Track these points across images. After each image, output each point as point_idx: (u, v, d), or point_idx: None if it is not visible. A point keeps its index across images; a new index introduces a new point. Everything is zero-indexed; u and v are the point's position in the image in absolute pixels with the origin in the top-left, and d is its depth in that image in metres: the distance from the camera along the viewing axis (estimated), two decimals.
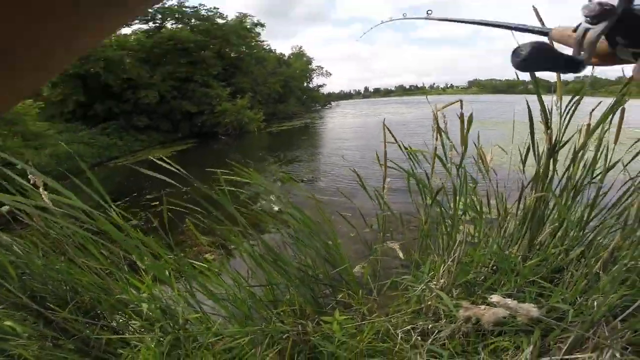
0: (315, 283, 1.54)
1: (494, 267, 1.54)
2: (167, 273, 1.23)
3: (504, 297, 1.01)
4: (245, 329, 1.21)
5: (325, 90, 48.28)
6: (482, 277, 1.49)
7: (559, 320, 1.13)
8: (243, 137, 17.71)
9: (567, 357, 1.05)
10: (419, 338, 1.25)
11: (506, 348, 1.17)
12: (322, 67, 44.30)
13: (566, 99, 1.42)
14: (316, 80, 42.93)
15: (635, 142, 1.56)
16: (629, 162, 1.57)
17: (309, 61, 39.07)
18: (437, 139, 1.74)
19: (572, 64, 0.30)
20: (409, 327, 1.30)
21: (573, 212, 1.59)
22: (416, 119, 18.70)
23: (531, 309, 1.00)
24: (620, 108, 1.40)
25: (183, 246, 2.57)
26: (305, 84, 37.74)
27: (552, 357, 1.06)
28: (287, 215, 1.59)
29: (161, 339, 1.14)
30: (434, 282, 1.46)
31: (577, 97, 1.41)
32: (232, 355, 1.14)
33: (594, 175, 1.56)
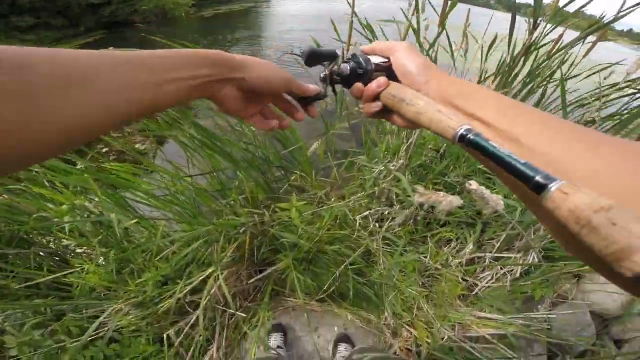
0: (266, 165, 1.37)
1: (443, 152, 1.57)
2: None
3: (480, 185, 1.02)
4: (195, 229, 1.04)
5: None
6: (433, 162, 1.52)
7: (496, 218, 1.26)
8: (168, 24, 13.27)
9: (498, 255, 1.20)
10: (377, 225, 1.28)
11: (450, 239, 1.29)
12: None
13: None
14: None
15: None
16: None
17: None
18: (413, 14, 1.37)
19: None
20: (366, 212, 1.32)
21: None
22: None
23: (499, 201, 1.04)
24: None
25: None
26: None
27: (487, 253, 1.21)
28: None
29: (105, 256, 0.92)
30: (393, 164, 1.43)
31: None
32: (188, 259, 1.01)
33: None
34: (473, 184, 1.01)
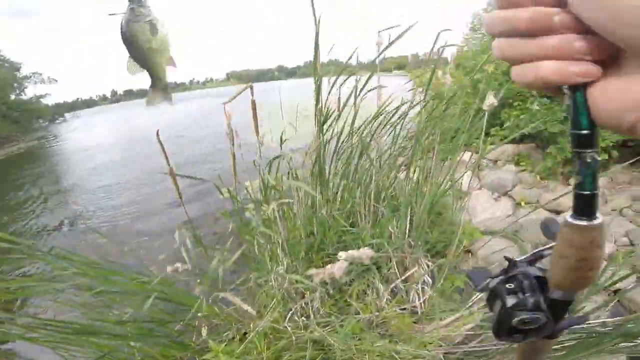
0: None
1: (314, 232, 1.90)
2: None
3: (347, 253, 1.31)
4: None
5: (51, 101, 39.17)
6: (309, 244, 1.81)
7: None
8: None
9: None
10: (304, 319, 1.42)
11: (364, 290, 1.55)
12: (41, 74, 34.63)
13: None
14: (33, 90, 33.95)
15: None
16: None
17: (16, 67, 29.99)
18: (232, 142, 1.74)
19: None
20: (288, 313, 1.44)
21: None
22: (188, 116, 17.18)
23: (368, 252, 1.35)
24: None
25: None
26: (13, 97, 28.81)
27: (394, 283, 1.52)
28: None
29: None
30: (280, 268, 1.63)
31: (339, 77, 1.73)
32: None
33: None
34: (342, 255, 1.30)
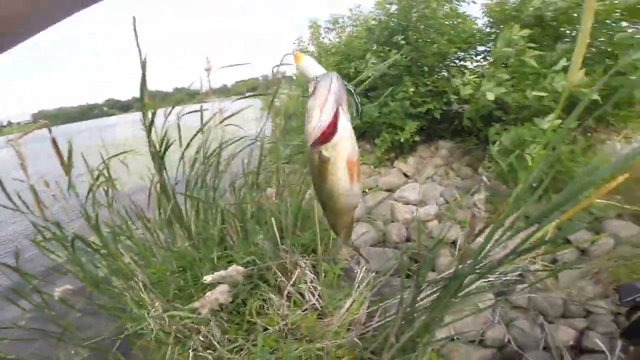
0: None
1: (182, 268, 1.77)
2: None
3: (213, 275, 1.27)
4: None
5: None
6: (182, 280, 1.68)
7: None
8: None
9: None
10: (211, 351, 1.31)
11: (261, 305, 1.52)
12: None
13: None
14: None
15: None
16: None
17: None
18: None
19: None
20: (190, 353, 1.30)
21: None
22: None
23: (237, 269, 1.33)
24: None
25: None
26: None
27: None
28: None
29: None
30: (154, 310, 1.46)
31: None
32: None
33: None
34: (207, 278, 1.24)
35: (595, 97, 2.06)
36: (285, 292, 1.77)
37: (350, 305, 1.90)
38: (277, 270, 1.95)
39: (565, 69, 2.10)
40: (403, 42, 3.34)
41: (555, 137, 2.01)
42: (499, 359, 1.76)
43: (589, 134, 2.85)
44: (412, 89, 3.08)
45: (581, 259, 2.03)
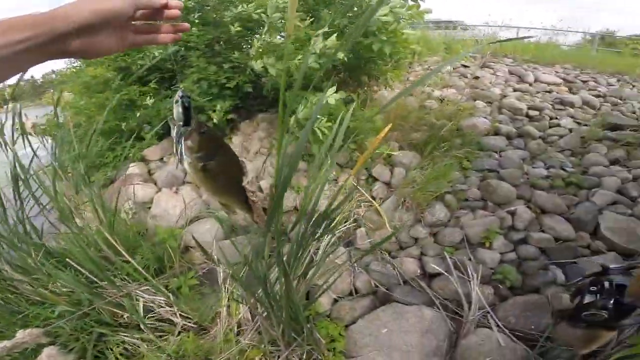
0: None
1: None
2: None
3: None
4: None
5: None
6: None
7: None
8: None
9: None
10: None
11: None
12: None
13: None
14: None
15: None
16: None
17: None
18: None
19: None
20: None
21: None
22: None
23: (32, 331, 0.97)
24: None
25: None
26: None
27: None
28: None
29: None
30: None
31: None
32: None
33: None
34: None
35: (341, 56, 2.34)
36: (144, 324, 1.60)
37: (228, 307, 1.82)
38: (114, 310, 1.68)
39: (325, 35, 2.30)
40: (198, 21, 3.04)
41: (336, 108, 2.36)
42: (378, 304, 1.96)
43: (366, 89, 3.50)
44: (212, 68, 2.87)
45: (390, 192, 2.56)
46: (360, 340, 1.71)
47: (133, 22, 0.48)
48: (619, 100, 4.12)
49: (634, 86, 4.79)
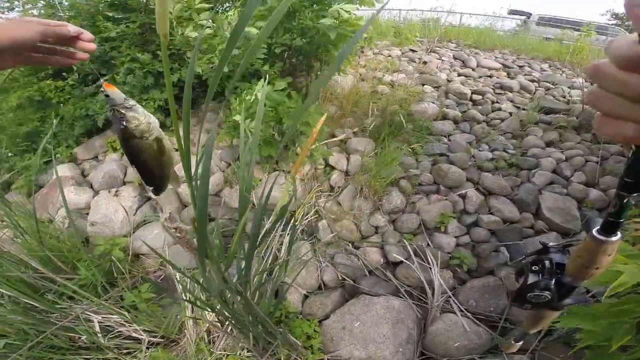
0: None
1: None
2: None
3: None
4: None
5: None
6: None
7: None
8: None
9: None
10: None
11: None
12: None
13: None
14: None
15: None
16: None
17: None
18: None
19: None
20: None
21: None
22: None
23: None
24: None
25: None
26: None
27: None
28: None
29: None
30: None
31: None
32: None
33: None
34: None
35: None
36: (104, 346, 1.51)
37: (193, 314, 1.71)
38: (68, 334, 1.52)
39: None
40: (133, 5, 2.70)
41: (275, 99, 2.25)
42: (347, 296, 1.98)
43: (319, 73, 3.41)
44: (146, 57, 2.59)
45: (347, 180, 2.54)
46: (336, 336, 1.72)
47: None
48: (551, 85, 4.47)
49: (563, 72, 5.23)
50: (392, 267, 2.11)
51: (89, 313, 1.60)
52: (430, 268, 1.87)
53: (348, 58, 3.34)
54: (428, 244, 2.14)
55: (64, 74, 2.89)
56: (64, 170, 2.79)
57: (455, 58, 5.33)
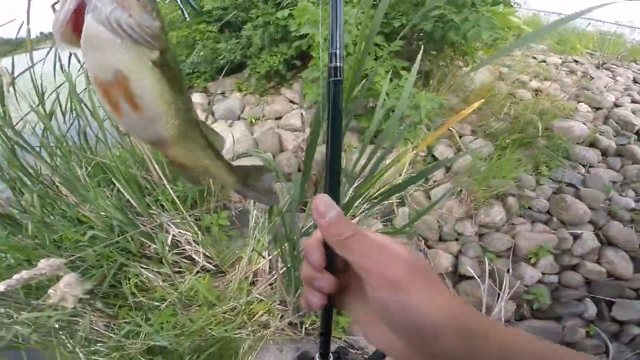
0: None
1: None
2: None
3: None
4: None
5: None
6: None
7: None
8: None
9: None
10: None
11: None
12: None
13: None
14: None
15: None
16: None
17: None
18: None
19: None
20: None
21: None
22: None
23: (52, 262, 0.95)
24: None
25: None
26: None
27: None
28: None
29: None
30: None
31: None
32: None
33: None
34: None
35: None
36: (166, 259, 1.53)
37: (250, 254, 1.77)
38: (144, 240, 1.64)
39: None
40: None
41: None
42: None
43: (448, 62, 3.09)
44: (280, 13, 2.70)
45: (446, 177, 2.29)
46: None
47: None
48: None
49: None
50: (458, 278, 1.95)
51: (170, 224, 1.71)
52: (499, 294, 1.61)
53: (488, 52, 2.93)
54: (509, 270, 1.91)
55: (208, 20, 3.25)
56: (196, 97, 3.22)
57: (635, 82, 4.23)
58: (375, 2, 2.04)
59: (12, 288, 0.76)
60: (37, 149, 1.55)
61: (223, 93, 3.44)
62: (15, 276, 0.76)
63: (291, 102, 2.98)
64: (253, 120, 2.91)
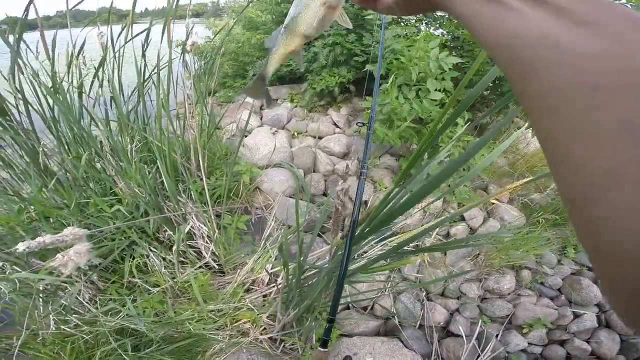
0: None
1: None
2: None
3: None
4: None
5: None
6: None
7: None
8: None
9: None
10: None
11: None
12: None
13: None
14: None
15: None
16: None
17: None
18: None
19: None
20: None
21: None
22: None
23: (76, 231, 0.99)
24: None
25: None
26: None
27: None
28: None
29: None
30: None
31: None
32: None
33: None
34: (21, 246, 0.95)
35: None
36: (176, 248, 1.56)
37: (254, 263, 1.79)
38: (162, 224, 1.70)
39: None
40: None
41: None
42: (382, 332, 1.86)
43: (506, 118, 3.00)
44: (351, 37, 2.80)
45: (470, 237, 2.23)
46: (344, 353, 1.64)
47: None
48: None
49: None
50: (445, 334, 1.92)
51: (192, 215, 1.76)
52: (479, 355, 1.68)
53: None
54: (497, 336, 1.90)
55: None
56: (250, 99, 3.38)
57: None
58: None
59: (31, 250, 0.81)
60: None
61: (277, 99, 3.60)
62: (38, 239, 0.82)
63: (335, 124, 3.05)
64: (295, 134, 3.01)
